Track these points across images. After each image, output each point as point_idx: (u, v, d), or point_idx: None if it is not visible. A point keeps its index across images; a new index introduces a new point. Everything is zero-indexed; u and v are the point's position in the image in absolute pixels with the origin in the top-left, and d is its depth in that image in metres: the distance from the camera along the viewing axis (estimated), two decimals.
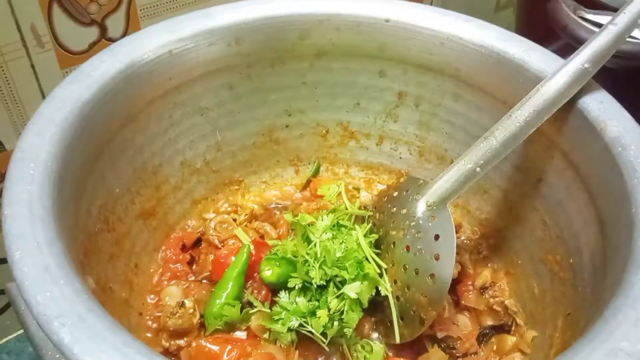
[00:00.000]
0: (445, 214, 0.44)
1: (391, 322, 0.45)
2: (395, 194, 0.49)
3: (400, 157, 0.58)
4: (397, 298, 0.45)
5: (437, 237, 0.43)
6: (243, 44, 0.49)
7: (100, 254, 0.41)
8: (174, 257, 0.50)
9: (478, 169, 0.43)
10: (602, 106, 0.40)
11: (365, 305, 0.45)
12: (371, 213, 0.51)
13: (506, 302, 0.47)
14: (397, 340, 0.45)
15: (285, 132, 0.57)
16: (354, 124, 0.58)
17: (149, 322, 0.46)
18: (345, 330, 0.45)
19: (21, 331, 0.82)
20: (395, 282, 0.45)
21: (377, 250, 0.48)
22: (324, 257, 0.46)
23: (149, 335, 0.45)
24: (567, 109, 0.42)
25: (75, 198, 0.37)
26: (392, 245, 0.46)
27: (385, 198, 0.50)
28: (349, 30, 0.51)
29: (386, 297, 0.46)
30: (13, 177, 0.32)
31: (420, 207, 0.45)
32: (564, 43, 0.55)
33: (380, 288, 0.46)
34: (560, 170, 0.44)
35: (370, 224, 0.50)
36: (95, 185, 0.41)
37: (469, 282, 0.49)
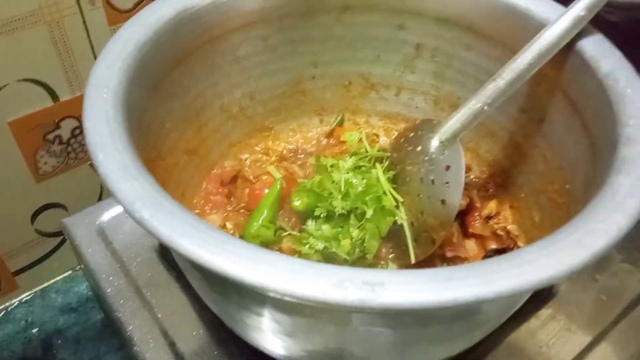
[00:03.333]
0: (455, 146, 0.49)
1: (406, 245, 0.51)
2: (412, 134, 0.54)
3: (417, 107, 0.64)
4: (412, 224, 0.51)
5: (448, 167, 0.49)
6: None
7: (156, 177, 0.47)
8: (214, 191, 0.57)
9: (486, 107, 0.48)
10: (596, 47, 0.45)
11: (384, 234, 0.52)
12: (389, 154, 0.57)
13: (509, 227, 0.52)
14: (412, 260, 0.51)
15: (311, 83, 0.63)
16: (375, 76, 0.63)
17: None
18: (366, 255, 0.51)
19: (68, 272, 0.89)
20: (410, 210, 0.51)
21: (395, 185, 0.53)
22: (347, 190, 0.52)
23: None
24: (567, 52, 0.47)
25: (137, 124, 0.43)
26: (407, 179, 0.52)
27: (402, 139, 0.56)
28: None
29: (401, 225, 0.52)
30: (91, 97, 0.38)
31: (434, 144, 0.51)
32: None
33: (396, 218, 0.52)
34: (560, 108, 0.49)
35: (387, 162, 0.55)
36: (151, 117, 0.47)
37: (476, 214, 0.55)
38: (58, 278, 0.89)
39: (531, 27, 0.50)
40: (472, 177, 0.59)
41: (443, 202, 0.48)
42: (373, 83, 0.64)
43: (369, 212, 0.50)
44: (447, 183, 0.48)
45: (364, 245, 0.51)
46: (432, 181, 0.49)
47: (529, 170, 0.54)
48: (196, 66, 0.52)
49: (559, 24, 0.46)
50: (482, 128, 0.59)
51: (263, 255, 0.29)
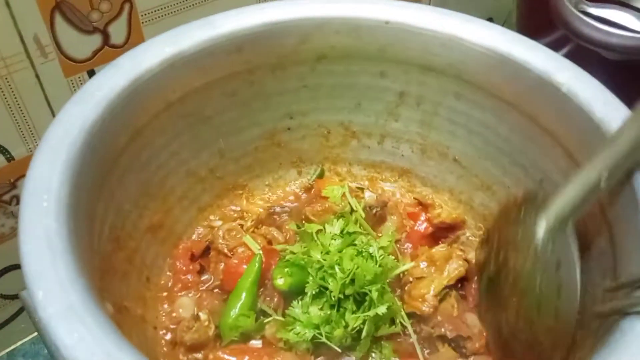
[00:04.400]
0: (565, 237, 0.39)
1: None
2: (514, 215, 0.43)
3: (402, 155, 0.59)
4: (522, 335, 0.41)
5: (558, 265, 0.39)
6: (244, 51, 0.48)
7: (114, 274, 0.41)
8: (183, 268, 0.50)
9: (602, 183, 0.37)
10: (606, 107, 0.40)
11: (377, 335, 0.46)
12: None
13: None
14: None
15: (287, 134, 0.57)
16: (356, 124, 0.58)
17: (164, 335, 0.47)
18: (357, 349, 0.45)
19: (36, 334, 0.82)
20: (517, 320, 0.41)
21: (496, 284, 0.43)
22: (352, 278, 0.45)
23: (165, 349, 0.45)
24: (571, 107, 0.43)
25: (88, 222, 0.37)
26: (511, 279, 0.41)
27: (504, 219, 0.45)
28: (349, 33, 0.50)
29: None
30: (27, 211, 0.32)
31: (539, 233, 0.39)
32: (564, 34, 0.55)
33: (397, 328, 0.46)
34: (564, 169, 0.44)
35: (490, 249, 0.45)
36: (106, 205, 0.41)
37: (477, 280, 0.50)
38: (25, 340, 0.82)
39: (528, 79, 0.45)
40: (467, 235, 0.54)
41: (556, 313, 0.39)
42: (354, 131, 0.58)
43: (382, 308, 0.44)
44: (559, 288, 0.39)
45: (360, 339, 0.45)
46: (541, 284, 0.39)
47: None
48: (155, 136, 0.46)
49: None
50: (474, 180, 0.55)
51: None
